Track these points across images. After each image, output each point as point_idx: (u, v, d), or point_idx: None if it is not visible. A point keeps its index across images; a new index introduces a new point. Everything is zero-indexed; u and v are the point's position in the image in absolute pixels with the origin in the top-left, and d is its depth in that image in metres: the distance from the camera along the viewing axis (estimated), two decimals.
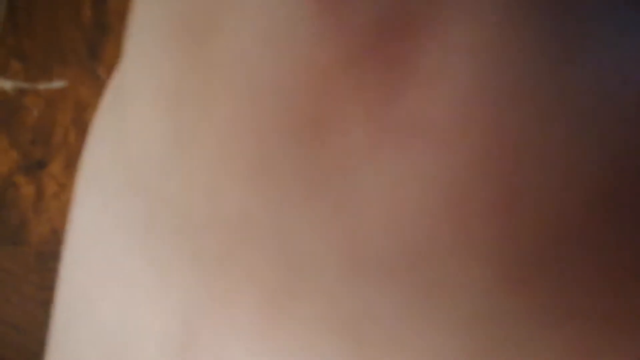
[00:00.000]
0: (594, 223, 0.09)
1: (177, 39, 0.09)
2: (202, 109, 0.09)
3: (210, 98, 0.09)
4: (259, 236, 0.09)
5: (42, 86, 0.64)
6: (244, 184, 0.09)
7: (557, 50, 0.08)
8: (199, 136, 0.09)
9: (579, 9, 0.08)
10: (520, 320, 0.09)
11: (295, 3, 0.08)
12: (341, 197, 0.08)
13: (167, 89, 0.09)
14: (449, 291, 0.09)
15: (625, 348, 0.09)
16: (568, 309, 0.09)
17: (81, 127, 0.65)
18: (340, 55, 0.08)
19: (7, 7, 0.68)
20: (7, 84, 0.64)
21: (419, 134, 0.08)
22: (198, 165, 0.09)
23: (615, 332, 0.09)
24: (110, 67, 0.66)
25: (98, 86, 0.66)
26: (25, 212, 0.62)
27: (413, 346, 0.09)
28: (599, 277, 0.09)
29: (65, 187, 0.63)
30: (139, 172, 0.10)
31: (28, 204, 0.62)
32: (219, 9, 0.09)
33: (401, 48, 0.08)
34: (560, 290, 0.09)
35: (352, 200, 0.08)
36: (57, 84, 0.64)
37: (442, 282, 0.09)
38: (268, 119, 0.09)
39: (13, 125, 0.65)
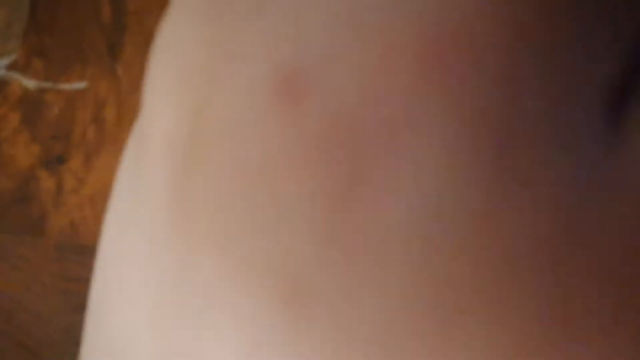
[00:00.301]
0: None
1: (178, 107, 0.10)
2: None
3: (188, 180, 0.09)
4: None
5: (64, 87, 0.64)
6: (214, 252, 0.09)
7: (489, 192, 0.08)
8: (194, 189, 0.09)
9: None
10: None
11: (257, 107, 0.09)
12: (290, 286, 0.09)
13: (168, 143, 0.10)
14: None
15: None
16: None
17: (100, 124, 0.65)
18: (296, 157, 0.09)
19: (30, 6, 0.68)
20: (29, 83, 0.64)
21: (363, 247, 0.08)
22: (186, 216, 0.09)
23: None
24: (129, 66, 0.66)
25: (117, 84, 0.66)
26: (45, 205, 0.62)
27: None
28: None
29: (84, 182, 0.63)
30: (147, 202, 0.10)
31: (48, 197, 0.63)
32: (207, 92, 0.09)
33: (353, 159, 0.08)
34: None
35: (297, 292, 0.09)
36: (78, 85, 0.63)
37: None
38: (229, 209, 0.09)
39: (35, 120, 0.65)
